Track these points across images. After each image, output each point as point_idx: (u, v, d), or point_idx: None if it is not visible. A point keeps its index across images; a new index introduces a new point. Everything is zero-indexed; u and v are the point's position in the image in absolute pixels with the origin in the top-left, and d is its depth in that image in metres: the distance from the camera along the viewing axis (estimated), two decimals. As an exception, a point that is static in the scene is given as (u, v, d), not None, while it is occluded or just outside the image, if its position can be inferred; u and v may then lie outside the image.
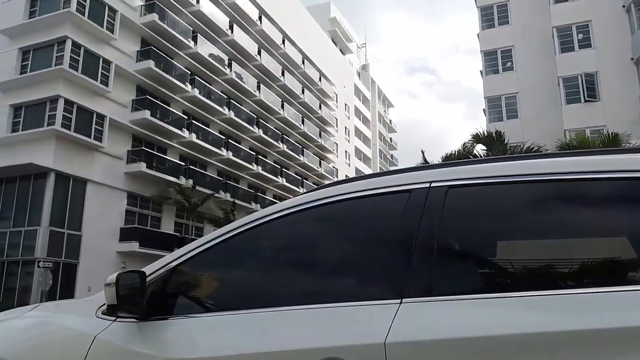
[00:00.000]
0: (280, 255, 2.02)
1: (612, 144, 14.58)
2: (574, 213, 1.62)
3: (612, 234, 1.55)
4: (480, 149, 20.59)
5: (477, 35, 29.40)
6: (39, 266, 19.95)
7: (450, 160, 21.43)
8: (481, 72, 28.94)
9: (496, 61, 28.47)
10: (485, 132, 20.09)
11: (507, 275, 1.62)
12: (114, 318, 1.85)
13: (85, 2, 23.62)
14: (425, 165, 1.88)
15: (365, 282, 1.73)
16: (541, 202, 1.65)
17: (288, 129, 40.66)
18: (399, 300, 1.52)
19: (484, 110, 28.65)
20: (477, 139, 19.69)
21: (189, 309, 1.89)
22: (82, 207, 23.31)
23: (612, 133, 16.34)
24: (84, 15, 23.36)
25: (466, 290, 1.54)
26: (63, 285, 21.47)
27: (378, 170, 71.87)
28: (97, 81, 23.82)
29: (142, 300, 1.78)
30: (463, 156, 21.25)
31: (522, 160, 1.77)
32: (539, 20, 26.38)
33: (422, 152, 20.70)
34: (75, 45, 23.07)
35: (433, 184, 1.70)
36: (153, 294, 1.84)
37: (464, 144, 19.25)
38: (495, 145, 18.71)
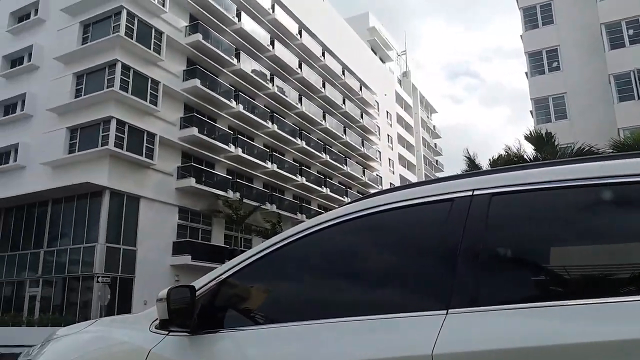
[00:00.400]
0: (326, 266, 2.00)
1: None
2: (624, 218, 1.56)
3: None
4: (530, 151, 20.08)
5: (521, 36, 28.78)
6: (97, 281, 20.85)
7: (498, 163, 20.95)
8: (526, 73, 28.27)
9: (542, 62, 27.75)
10: (535, 133, 19.60)
11: (556, 283, 1.58)
12: (167, 332, 1.89)
13: (133, 26, 24.69)
14: (468, 173, 1.89)
15: (411, 292, 1.72)
16: (587, 207, 1.61)
17: (330, 139, 40.90)
18: (445, 311, 1.51)
19: (531, 112, 27.94)
20: (527, 139, 19.22)
21: (239, 322, 1.91)
22: (136, 223, 24.19)
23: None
24: (132, 39, 24.42)
25: (514, 300, 1.51)
26: (120, 299, 22.30)
27: (423, 177, 71.09)
28: (146, 101, 24.79)
29: (192, 314, 1.83)
30: (512, 159, 20.75)
31: (565, 165, 1.72)
32: (585, 17, 25.57)
33: (468, 153, 20.18)
34: (125, 68, 24.11)
35: (476, 192, 1.68)
36: (203, 308, 1.88)
37: (506, 150, 18.84)
38: (546, 147, 18.21)
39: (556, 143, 18.75)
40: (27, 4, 28.17)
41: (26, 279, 24.57)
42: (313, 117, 38.06)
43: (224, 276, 1.95)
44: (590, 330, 1.33)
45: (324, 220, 1.93)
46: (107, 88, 23.57)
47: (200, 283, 1.97)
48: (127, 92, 23.89)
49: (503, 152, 18.74)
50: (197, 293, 1.89)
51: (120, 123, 23.59)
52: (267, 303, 2.00)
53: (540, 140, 18.34)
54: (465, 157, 20.54)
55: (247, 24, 31.90)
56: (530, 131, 19.16)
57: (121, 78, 23.80)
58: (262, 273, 2.00)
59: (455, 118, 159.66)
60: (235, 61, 30.47)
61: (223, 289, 1.94)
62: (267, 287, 2.05)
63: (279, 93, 34.30)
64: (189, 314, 1.82)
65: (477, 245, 1.59)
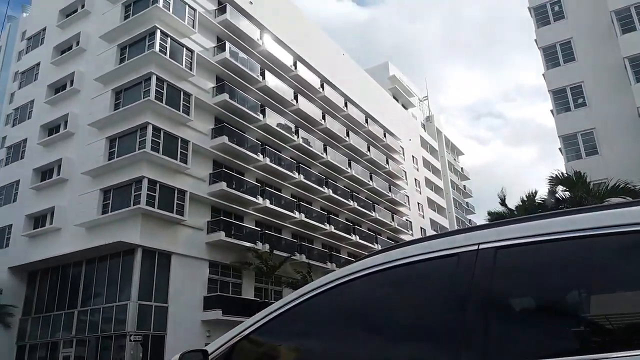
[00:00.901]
0: (339, 325, 1.99)
1: None
2: (622, 267, 1.57)
3: None
4: (561, 191, 19.64)
5: (543, 75, 28.79)
6: (130, 340, 20.89)
7: (526, 204, 20.55)
8: (552, 111, 28.08)
9: (566, 98, 27.56)
10: (565, 174, 19.23)
11: (565, 337, 1.56)
12: None
13: (163, 90, 25.82)
14: (473, 227, 1.86)
15: (422, 348, 1.73)
16: (592, 258, 1.61)
17: (357, 186, 41.00)
18: None
19: (560, 149, 27.53)
20: (556, 181, 18.86)
21: None
22: (167, 279, 24.38)
23: None
24: (162, 102, 25.48)
25: (524, 355, 1.51)
26: (152, 357, 22.19)
27: (454, 220, 70.01)
28: (177, 160, 25.54)
29: None
30: (543, 201, 20.33)
31: (567, 216, 1.71)
32: (607, 52, 25.50)
33: (502, 192, 19.91)
34: (156, 129, 25.04)
35: (481, 246, 1.69)
36: None
37: (529, 194, 18.55)
38: (577, 186, 17.83)
39: (588, 180, 18.34)
40: (64, 75, 29.91)
41: (60, 340, 24.80)
42: (339, 165, 38.39)
43: (237, 338, 1.98)
44: None
45: (329, 280, 1.96)
46: (138, 150, 24.42)
47: (215, 346, 1.99)
48: (158, 152, 24.70)
49: (528, 194, 18.40)
50: (211, 357, 1.93)
51: (152, 182, 24.26)
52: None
53: (569, 181, 17.98)
54: (500, 197, 20.30)
55: (271, 81, 32.98)
56: (556, 174, 18.82)
57: (152, 139, 24.65)
58: (274, 333, 2.00)
59: (482, 159, 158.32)
60: (260, 117, 31.32)
61: (237, 351, 1.95)
62: (281, 347, 2.06)
63: (304, 144, 34.89)
64: None
65: (485, 300, 1.60)
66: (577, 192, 14.01)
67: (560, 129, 27.11)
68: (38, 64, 32.62)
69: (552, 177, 18.77)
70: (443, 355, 1.61)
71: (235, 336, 2.01)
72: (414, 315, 1.82)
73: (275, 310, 1.99)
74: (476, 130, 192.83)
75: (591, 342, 1.49)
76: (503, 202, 19.96)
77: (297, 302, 1.96)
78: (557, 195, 19.28)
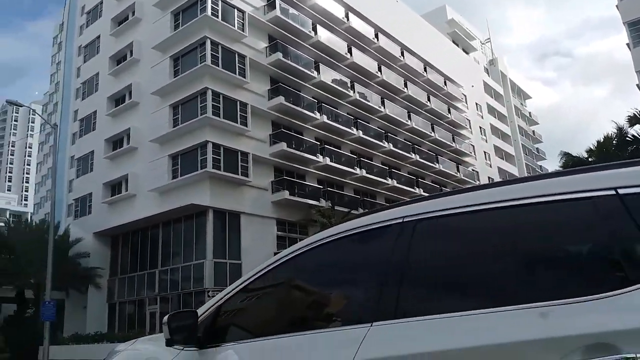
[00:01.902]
0: (290, 290, 2.42)
1: None
2: (521, 239, 1.77)
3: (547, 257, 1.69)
4: (636, 130, 18.35)
5: (616, 6, 26.48)
6: (209, 295, 22.17)
7: (606, 145, 19.35)
8: (628, 45, 25.93)
9: (645, 29, 25.30)
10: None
11: (461, 296, 1.78)
12: (182, 348, 2.31)
13: (218, 53, 26.16)
14: (401, 202, 2.16)
15: (346, 309, 2.09)
16: (496, 229, 1.81)
17: (418, 138, 40.19)
18: (369, 324, 1.79)
19: (637, 85, 25.55)
20: (633, 120, 17.63)
21: (237, 337, 2.32)
22: (239, 238, 25.45)
23: None
24: (218, 66, 25.87)
25: (428, 312, 1.72)
26: (230, 311, 23.43)
27: (524, 168, 67.40)
28: (237, 123, 26.09)
29: (195, 334, 2.26)
30: (618, 141, 19.07)
31: (480, 191, 1.92)
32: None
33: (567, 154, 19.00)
34: (215, 94, 25.58)
35: (406, 219, 1.95)
36: (207, 327, 2.30)
37: (608, 135, 17.40)
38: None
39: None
40: (123, 46, 30.95)
41: (145, 298, 26.78)
42: (398, 118, 37.69)
43: (221, 301, 2.40)
44: (487, 335, 1.56)
45: (284, 254, 2.33)
46: (200, 115, 25.14)
47: (204, 308, 2.41)
48: (219, 116, 25.32)
49: (610, 133, 17.30)
50: (201, 316, 2.33)
51: (216, 146, 25.00)
52: (256, 321, 2.42)
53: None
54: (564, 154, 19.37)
55: (324, 35, 32.46)
56: (634, 112, 17.53)
57: (212, 104, 25.27)
58: (250, 296, 2.45)
59: (549, 101, 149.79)
60: (315, 74, 31.11)
61: (222, 312, 2.37)
62: (256, 307, 2.48)
63: (360, 99, 34.42)
64: (191, 334, 2.26)
65: (401, 266, 1.87)
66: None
67: (638, 63, 25.07)
68: (98, 37, 33.84)
69: (630, 116, 17.54)
70: (361, 315, 1.91)
71: (221, 299, 2.42)
72: (345, 280, 2.17)
73: (252, 276, 2.39)
74: (541, 72, 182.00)
75: (485, 299, 1.67)
76: (569, 155, 19.04)
77: (268, 269, 2.35)
78: (633, 134, 18.04)
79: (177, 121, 26.44)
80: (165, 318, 2.27)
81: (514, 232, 1.78)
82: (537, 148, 77.11)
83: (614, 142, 19.23)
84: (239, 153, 26.04)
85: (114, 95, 31.07)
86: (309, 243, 2.25)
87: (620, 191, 1.55)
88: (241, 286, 2.39)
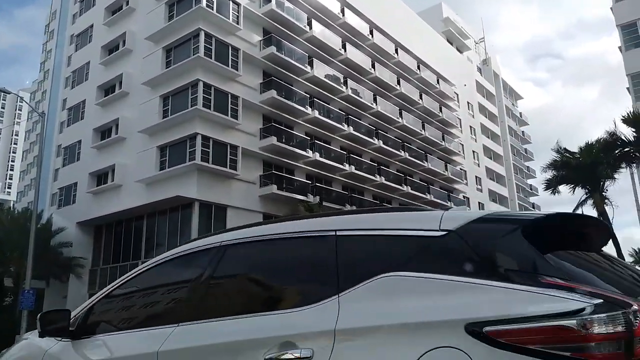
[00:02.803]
0: (138, 295, 2.96)
1: None
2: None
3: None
4: (628, 132, 18.43)
5: (611, 8, 26.60)
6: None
7: (593, 147, 19.45)
8: (620, 48, 26.07)
9: (636, 34, 25.48)
10: (634, 113, 17.97)
11: (228, 305, 2.39)
12: (59, 339, 2.80)
13: (211, 45, 25.92)
14: (220, 231, 2.76)
15: (166, 312, 2.63)
16: (263, 256, 2.49)
17: (409, 136, 40.22)
18: (177, 324, 2.35)
19: (627, 88, 25.72)
20: (628, 121, 17.71)
21: (104, 330, 2.81)
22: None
23: None
24: (211, 58, 25.65)
25: (223, 313, 2.29)
26: (214, 305, 23.35)
27: (511, 168, 67.82)
28: (228, 116, 25.92)
29: (66, 328, 2.74)
30: (609, 142, 19.16)
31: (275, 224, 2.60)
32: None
33: (563, 149, 19.11)
34: (206, 86, 25.37)
35: (222, 243, 2.53)
36: (80, 323, 2.80)
37: (602, 137, 17.52)
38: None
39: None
40: (116, 36, 30.57)
41: (128, 290, 26.48)
42: (389, 115, 37.67)
43: (93, 302, 2.90)
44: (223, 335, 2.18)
45: (147, 265, 2.88)
46: (191, 107, 24.94)
47: (79, 308, 2.92)
48: (209, 108, 25.12)
49: (601, 136, 17.45)
50: (74, 314, 2.85)
51: (205, 138, 24.83)
52: (115, 318, 2.89)
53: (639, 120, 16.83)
54: (556, 150, 19.43)
55: (319, 30, 32.31)
56: (628, 112, 17.63)
57: (203, 96, 25.08)
58: (112, 300, 2.93)
59: (539, 102, 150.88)
60: (308, 69, 30.97)
61: (94, 310, 2.88)
62: (115, 308, 2.95)
63: (353, 95, 34.35)
64: (63, 328, 2.74)
65: (208, 280, 2.46)
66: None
67: (628, 67, 25.24)
68: (91, 26, 33.42)
69: (624, 117, 17.63)
70: (169, 317, 2.47)
71: (93, 300, 2.91)
72: (176, 287, 2.80)
73: (115, 284, 2.90)
74: (533, 72, 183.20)
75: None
76: (559, 152, 19.11)
77: (127, 278, 2.89)
78: (623, 137, 18.15)
79: (167, 112, 26.22)
80: (39, 315, 2.83)
81: (270, 258, 2.43)
82: (525, 149, 77.61)
83: (602, 143, 19.30)
84: (228, 146, 25.88)
85: (104, 84, 30.71)
86: (156, 260, 2.82)
87: (338, 232, 2.16)
88: (107, 291, 2.92)
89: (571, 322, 1.50)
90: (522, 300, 1.60)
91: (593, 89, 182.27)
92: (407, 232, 2.01)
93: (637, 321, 1.51)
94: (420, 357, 1.63)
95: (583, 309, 1.52)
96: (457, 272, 1.78)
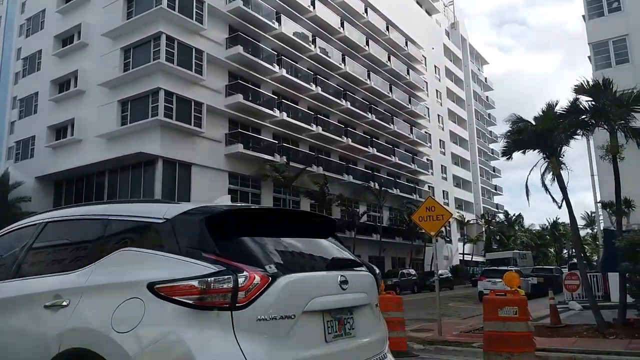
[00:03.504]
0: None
1: None
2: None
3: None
4: (585, 101, 18.95)
5: (576, -24, 26.80)
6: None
7: (552, 113, 19.96)
8: (583, 16, 26.44)
9: (600, 2, 25.83)
10: (590, 82, 18.43)
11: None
12: None
13: (175, -3, 24.91)
14: (42, 211, 3.55)
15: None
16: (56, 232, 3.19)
17: (376, 98, 40.29)
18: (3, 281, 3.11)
19: (589, 57, 26.28)
20: (581, 90, 18.14)
21: None
22: (189, 189, 25.06)
23: None
24: (174, 10, 24.70)
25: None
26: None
27: (474, 132, 69.06)
28: (192, 71, 25.23)
29: None
30: (567, 110, 19.73)
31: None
32: (648, -52, 23.44)
33: (519, 118, 19.56)
34: (170, 39, 24.52)
35: (42, 222, 3.28)
36: None
37: (550, 104, 17.91)
38: (604, 94, 17.15)
39: (614, 89, 17.61)
40: (74, -19, 28.90)
41: (90, 246, 26.09)
42: (357, 76, 37.51)
43: None
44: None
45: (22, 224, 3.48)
46: (153, 60, 24.12)
47: None
48: (172, 63, 24.39)
49: (548, 104, 17.83)
50: None
51: (169, 94, 24.19)
52: None
53: (596, 89, 17.25)
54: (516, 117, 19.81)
55: (287, -15, 31.42)
56: (581, 82, 18.02)
57: (166, 50, 24.27)
58: None
59: (504, 68, 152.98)
60: (276, 25, 30.28)
61: None
62: None
63: (321, 54, 33.93)
64: None
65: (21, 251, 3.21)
66: (602, 100, 13.47)
67: (591, 35, 25.68)
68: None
69: (577, 86, 18.04)
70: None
71: None
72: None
73: None
74: (498, 38, 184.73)
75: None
76: (520, 119, 19.54)
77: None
78: (580, 105, 18.66)
79: (129, 65, 25.32)
80: None
81: (64, 234, 3.15)
82: (489, 113, 79.03)
83: (557, 112, 19.77)
84: (193, 102, 25.33)
85: (62, 34, 29.27)
86: (4, 230, 3.51)
87: (110, 218, 2.86)
88: None
89: (195, 282, 2.25)
90: (183, 268, 2.34)
91: (556, 56, 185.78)
92: (143, 219, 2.70)
93: (244, 281, 2.26)
94: (122, 302, 2.36)
95: (209, 274, 2.26)
96: (162, 249, 2.50)
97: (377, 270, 3.28)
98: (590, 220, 61.48)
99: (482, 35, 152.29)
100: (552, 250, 74.72)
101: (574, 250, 60.73)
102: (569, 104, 17.26)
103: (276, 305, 2.30)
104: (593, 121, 12.38)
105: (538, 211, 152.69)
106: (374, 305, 3.00)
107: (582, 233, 56.17)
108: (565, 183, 11.35)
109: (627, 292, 9.73)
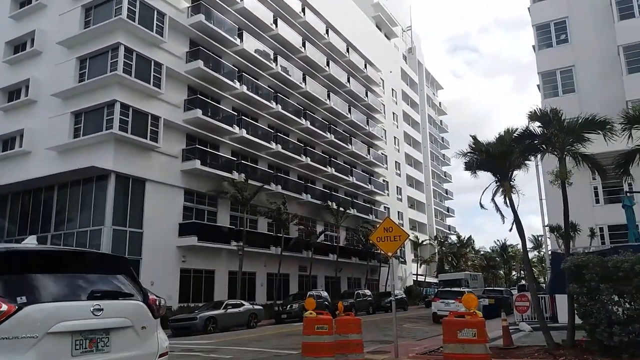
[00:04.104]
0: None
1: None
2: None
3: None
4: (537, 127, 19.79)
5: (528, 9, 28.22)
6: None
7: (509, 136, 20.75)
8: (534, 47, 27.78)
9: (549, 34, 27.22)
10: (541, 109, 19.32)
11: None
12: None
13: (135, 8, 24.50)
14: None
15: None
16: None
17: (335, 118, 40.73)
18: None
19: (538, 86, 27.55)
20: (534, 117, 18.98)
21: None
22: (142, 206, 24.33)
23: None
24: (134, 21, 24.26)
25: None
26: (129, 280, 22.48)
27: (429, 155, 70.69)
28: (150, 84, 24.73)
29: None
30: (521, 134, 20.55)
31: None
32: (593, -12, 24.99)
33: (473, 138, 20.20)
34: (128, 51, 23.99)
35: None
36: None
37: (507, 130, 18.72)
38: (552, 123, 18.02)
39: (563, 118, 18.51)
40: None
41: (37, 263, 24.81)
42: (317, 96, 37.85)
43: None
44: None
45: None
46: (110, 72, 23.51)
47: None
48: (130, 75, 23.83)
49: (506, 129, 18.60)
50: None
51: (124, 106, 23.58)
52: None
53: (545, 117, 18.12)
54: (472, 137, 20.42)
55: (250, 2, 31.55)
56: (534, 109, 18.92)
57: (124, 61, 23.71)
58: None
59: (457, 93, 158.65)
60: (238, 41, 30.25)
61: None
62: None
63: (282, 73, 34.08)
64: None
65: None
66: (551, 128, 14.16)
67: (540, 65, 26.98)
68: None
69: (530, 112, 18.89)
70: None
71: None
72: None
73: None
74: (452, 64, 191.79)
75: None
76: (477, 140, 20.23)
77: None
78: (532, 130, 19.45)
79: (84, 76, 24.56)
80: None
81: None
82: (442, 137, 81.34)
83: (514, 134, 20.53)
84: (150, 116, 24.78)
85: (14, 40, 28.17)
86: None
87: None
88: None
89: None
90: None
91: (506, 81, 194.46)
92: None
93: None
94: None
95: None
96: None
97: (163, 301, 3.99)
98: (537, 243, 64.03)
99: (439, 60, 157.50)
100: (501, 272, 76.88)
101: (523, 272, 62.80)
102: (523, 130, 18.02)
103: (19, 328, 2.92)
104: (544, 147, 12.92)
105: (487, 233, 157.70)
106: (139, 327, 3.60)
107: (530, 255, 58.11)
108: (516, 206, 11.73)
109: (575, 313, 10.04)
